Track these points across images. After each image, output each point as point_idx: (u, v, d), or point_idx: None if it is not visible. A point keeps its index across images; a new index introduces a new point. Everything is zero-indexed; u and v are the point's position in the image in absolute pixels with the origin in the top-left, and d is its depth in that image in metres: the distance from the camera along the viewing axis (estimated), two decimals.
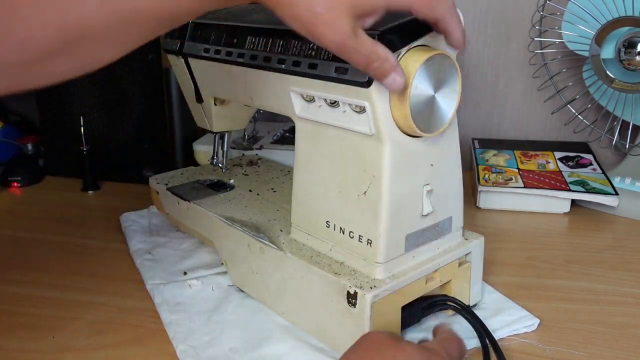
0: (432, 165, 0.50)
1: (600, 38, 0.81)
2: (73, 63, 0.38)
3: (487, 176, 0.86)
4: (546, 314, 0.58)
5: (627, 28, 0.79)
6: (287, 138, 0.94)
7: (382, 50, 0.41)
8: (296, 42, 0.51)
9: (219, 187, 0.73)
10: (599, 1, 0.80)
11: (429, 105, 0.47)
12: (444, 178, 0.52)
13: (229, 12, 0.61)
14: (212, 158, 0.73)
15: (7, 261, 0.69)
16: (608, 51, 0.82)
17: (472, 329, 0.53)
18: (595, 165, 0.89)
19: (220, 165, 0.73)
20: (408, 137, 0.48)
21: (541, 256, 0.71)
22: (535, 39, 0.89)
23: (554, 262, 0.69)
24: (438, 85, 0.47)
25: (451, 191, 0.54)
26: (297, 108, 0.53)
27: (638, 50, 0.78)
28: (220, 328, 0.55)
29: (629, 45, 0.79)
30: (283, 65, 0.51)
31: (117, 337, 0.55)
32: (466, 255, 0.56)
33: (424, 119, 0.47)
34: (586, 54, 0.84)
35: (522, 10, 0.97)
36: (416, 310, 0.53)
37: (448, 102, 0.48)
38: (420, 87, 0.45)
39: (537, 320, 0.56)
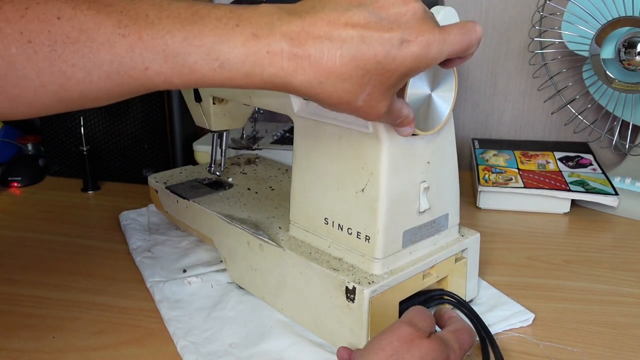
0: (428, 162, 0.51)
1: (600, 38, 0.81)
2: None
3: (487, 176, 0.86)
4: (546, 314, 0.58)
5: (627, 28, 0.79)
6: (287, 138, 0.94)
7: (406, 110, 0.42)
8: None
9: (218, 185, 0.73)
10: (599, 1, 0.80)
11: (426, 103, 0.47)
12: (440, 175, 0.52)
13: None
14: (210, 165, 0.74)
15: (7, 261, 0.69)
16: (608, 51, 0.82)
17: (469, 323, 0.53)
18: (595, 165, 0.89)
19: (217, 173, 0.73)
20: None
21: (541, 256, 0.71)
22: (535, 39, 0.89)
23: (554, 262, 0.69)
24: (434, 84, 0.47)
25: (447, 188, 0.54)
26: (296, 106, 0.53)
27: (638, 50, 0.78)
28: (220, 324, 0.55)
29: (629, 45, 0.79)
30: None
31: (117, 337, 0.55)
32: (462, 251, 0.57)
33: (420, 117, 0.47)
34: (586, 54, 0.84)
35: (522, 10, 0.97)
36: (413, 304, 0.52)
37: (444, 101, 0.49)
38: (417, 86, 0.45)
39: (532, 315, 0.56)
